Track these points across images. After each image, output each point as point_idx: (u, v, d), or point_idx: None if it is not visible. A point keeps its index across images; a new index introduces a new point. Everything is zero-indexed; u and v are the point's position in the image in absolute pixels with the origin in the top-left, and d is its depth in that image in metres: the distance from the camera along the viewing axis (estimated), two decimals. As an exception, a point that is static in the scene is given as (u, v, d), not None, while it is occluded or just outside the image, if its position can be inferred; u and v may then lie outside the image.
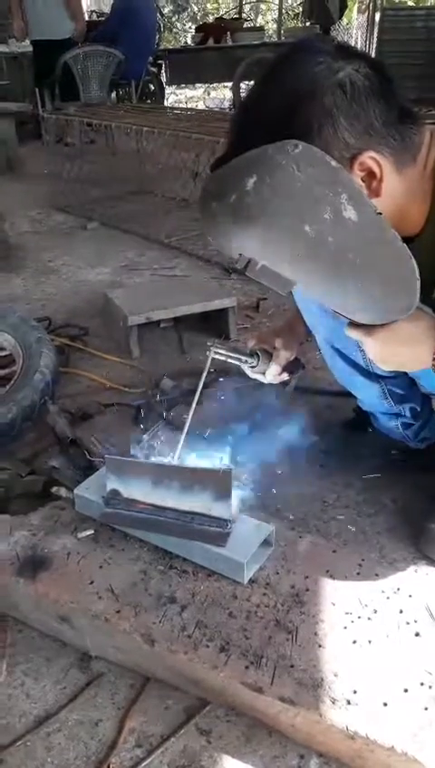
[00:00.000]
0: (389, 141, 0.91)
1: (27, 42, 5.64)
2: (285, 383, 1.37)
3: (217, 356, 1.21)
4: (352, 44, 7.54)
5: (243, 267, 0.92)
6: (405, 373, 1.22)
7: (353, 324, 0.97)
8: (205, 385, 1.25)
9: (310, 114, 0.86)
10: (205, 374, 1.21)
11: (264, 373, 1.30)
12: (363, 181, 0.90)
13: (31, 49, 5.63)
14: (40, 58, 5.42)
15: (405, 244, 0.87)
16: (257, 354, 1.29)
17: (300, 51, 0.91)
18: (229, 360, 1.26)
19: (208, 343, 1.21)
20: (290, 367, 1.33)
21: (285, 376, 1.33)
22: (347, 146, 0.88)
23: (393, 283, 0.89)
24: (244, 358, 1.28)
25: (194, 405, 1.20)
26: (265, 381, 1.32)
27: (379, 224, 0.85)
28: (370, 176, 0.90)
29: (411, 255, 0.87)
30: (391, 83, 0.91)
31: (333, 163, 0.83)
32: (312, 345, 1.38)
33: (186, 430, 1.20)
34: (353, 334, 0.99)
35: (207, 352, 1.20)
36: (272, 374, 1.30)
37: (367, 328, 0.96)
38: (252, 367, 1.29)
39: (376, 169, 0.90)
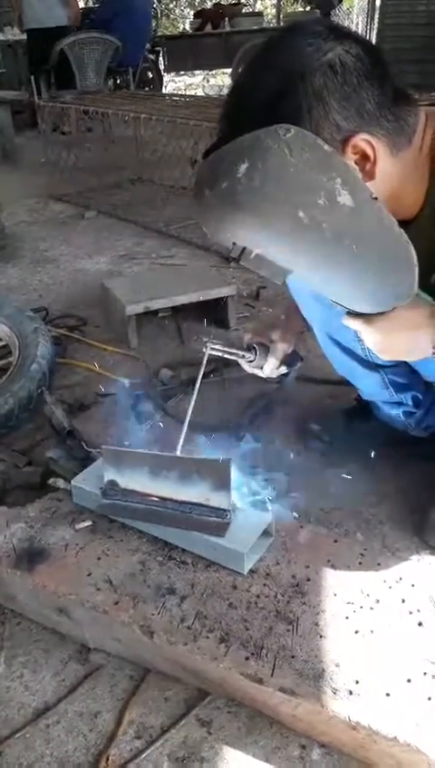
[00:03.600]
0: (382, 123, 0.88)
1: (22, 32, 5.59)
2: (283, 376, 1.35)
3: (213, 352, 1.19)
4: (353, 29, 7.45)
5: (237, 256, 0.89)
6: (405, 362, 1.20)
7: (351, 314, 0.95)
8: (204, 375, 1.23)
9: (300, 96, 0.84)
10: (202, 371, 1.19)
11: (262, 367, 1.28)
12: (357, 164, 0.87)
13: (25, 37, 5.57)
14: (35, 46, 5.36)
15: (402, 230, 0.85)
16: (254, 348, 1.27)
17: (290, 33, 0.89)
18: (226, 356, 1.24)
19: (205, 339, 1.19)
20: (288, 360, 1.31)
21: (284, 369, 1.31)
22: (339, 128, 0.85)
23: (391, 269, 0.87)
24: (241, 353, 1.26)
25: (193, 402, 1.18)
26: (263, 376, 1.30)
27: (375, 209, 0.83)
28: (363, 158, 0.88)
29: (409, 240, 0.85)
30: (385, 65, 0.89)
31: (327, 147, 0.80)
32: (312, 334, 1.36)
33: (186, 424, 1.18)
34: (351, 324, 0.96)
35: (204, 348, 1.18)
36: (270, 368, 1.28)
37: (365, 317, 0.94)
38: (249, 361, 1.28)
39: (369, 152, 0.87)
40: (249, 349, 1.27)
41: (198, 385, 1.18)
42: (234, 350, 1.25)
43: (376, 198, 0.82)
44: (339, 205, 0.81)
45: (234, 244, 0.89)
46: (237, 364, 1.33)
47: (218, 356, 1.22)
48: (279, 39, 0.89)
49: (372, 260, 0.86)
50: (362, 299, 0.91)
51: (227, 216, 0.87)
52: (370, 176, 0.88)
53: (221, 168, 0.84)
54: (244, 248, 0.89)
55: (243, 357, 1.27)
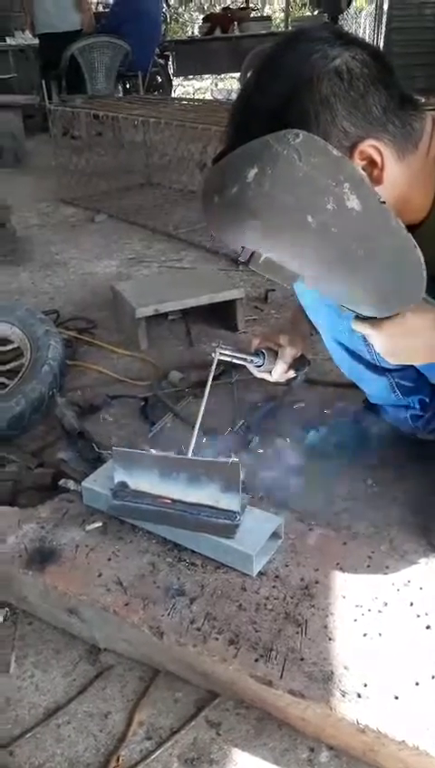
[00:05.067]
0: (389, 129, 0.89)
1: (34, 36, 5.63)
2: (291, 380, 1.36)
3: (222, 357, 1.20)
4: (361, 33, 7.46)
5: (246, 260, 0.90)
6: (412, 365, 1.20)
7: (359, 318, 0.96)
8: (213, 378, 1.24)
9: (307, 102, 0.85)
10: (211, 376, 1.19)
11: (270, 372, 1.29)
12: (364, 170, 0.88)
13: (37, 42, 5.61)
14: (47, 51, 5.39)
15: (410, 234, 0.85)
16: (263, 353, 1.28)
17: (296, 39, 0.90)
18: (235, 361, 1.25)
19: (214, 344, 1.20)
20: (296, 364, 1.32)
21: (292, 373, 1.32)
22: (346, 134, 0.86)
23: (399, 274, 0.87)
24: (249, 357, 1.27)
25: (203, 406, 1.19)
26: (272, 380, 1.31)
27: (383, 213, 0.83)
28: (371, 164, 0.89)
29: (417, 244, 0.85)
30: (391, 70, 0.90)
31: (335, 152, 0.81)
32: (319, 337, 1.37)
33: (197, 427, 1.19)
34: (360, 328, 0.97)
35: (213, 354, 1.19)
36: (278, 372, 1.29)
37: (373, 321, 0.94)
38: (258, 366, 1.28)
39: (377, 157, 0.88)
40: (257, 353, 1.28)
41: (207, 390, 1.19)
42: (242, 355, 1.26)
43: (384, 203, 0.83)
44: (347, 209, 0.82)
45: (243, 248, 0.90)
46: (246, 368, 1.33)
47: (227, 361, 1.23)
48: (286, 45, 0.90)
49: (380, 264, 0.86)
50: (370, 303, 0.92)
51: (236, 221, 0.87)
52: (377, 181, 0.89)
53: (230, 174, 0.85)
54: (253, 252, 0.89)
55: (251, 362, 1.28)
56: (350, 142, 0.86)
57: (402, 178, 0.93)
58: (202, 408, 1.18)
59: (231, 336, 2.14)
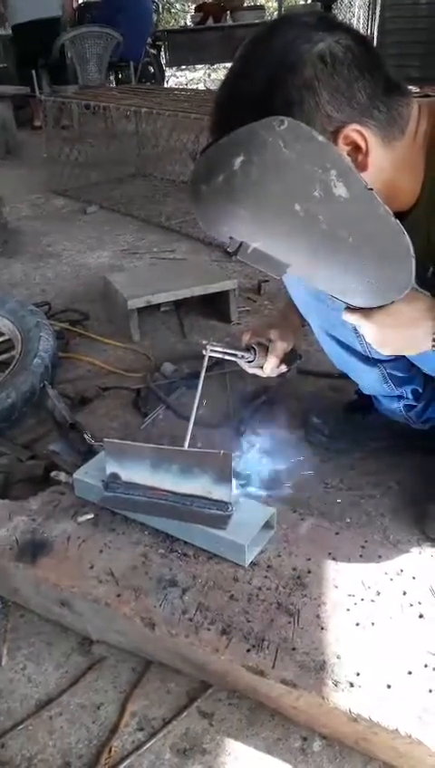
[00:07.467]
0: (374, 114, 0.88)
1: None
2: (283, 374, 1.35)
3: (213, 354, 1.20)
4: (354, 23, 7.41)
5: (234, 251, 0.89)
6: (404, 356, 1.19)
7: (350, 309, 0.95)
8: (206, 369, 1.23)
9: (291, 88, 0.84)
10: (203, 373, 1.19)
11: (262, 367, 1.28)
12: (349, 155, 0.86)
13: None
14: (23, 41, 5.28)
15: (398, 220, 0.84)
16: (254, 348, 1.27)
17: (280, 25, 0.88)
18: (226, 357, 1.24)
19: (204, 341, 1.19)
20: (287, 358, 1.31)
21: (283, 368, 1.31)
22: (330, 119, 0.85)
23: (388, 261, 0.86)
24: (240, 353, 1.26)
25: (197, 402, 1.18)
26: (264, 375, 1.30)
27: (370, 199, 0.83)
28: (355, 150, 0.88)
29: (405, 231, 0.84)
30: (377, 56, 0.89)
31: (321, 138, 0.80)
32: (310, 330, 1.36)
33: (192, 421, 1.18)
34: (350, 319, 0.96)
35: (204, 351, 1.18)
36: (270, 367, 1.28)
37: (363, 312, 0.94)
38: (249, 362, 1.28)
39: (361, 143, 0.87)
40: (248, 349, 1.28)
41: (199, 388, 1.18)
42: (233, 351, 1.25)
43: (371, 189, 0.82)
44: (334, 196, 0.81)
45: (231, 238, 0.89)
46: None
47: (218, 357, 1.23)
48: (269, 31, 0.88)
49: (368, 252, 0.85)
50: (360, 292, 0.91)
51: (223, 210, 0.86)
52: (362, 167, 0.88)
53: (217, 163, 0.84)
54: (241, 243, 0.88)
55: (242, 357, 1.27)
56: (333, 127, 0.85)
57: (388, 164, 0.92)
58: (196, 402, 1.18)
59: (224, 327, 2.13)
